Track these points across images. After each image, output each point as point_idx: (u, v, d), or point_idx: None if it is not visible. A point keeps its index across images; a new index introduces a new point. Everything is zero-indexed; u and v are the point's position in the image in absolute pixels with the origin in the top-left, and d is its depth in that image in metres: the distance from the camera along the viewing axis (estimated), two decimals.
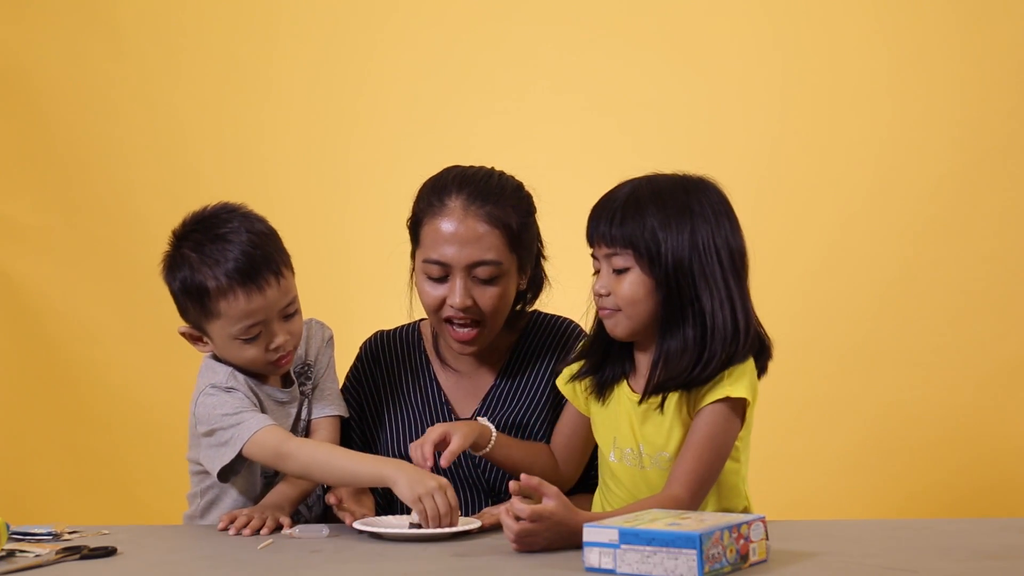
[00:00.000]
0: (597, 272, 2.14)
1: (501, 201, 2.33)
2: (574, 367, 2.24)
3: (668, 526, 1.72)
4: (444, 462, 2.13)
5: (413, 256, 2.42)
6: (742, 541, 1.75)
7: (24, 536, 2.06)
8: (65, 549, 1.93)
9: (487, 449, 2.24)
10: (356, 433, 2.48)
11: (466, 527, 2.06)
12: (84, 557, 1.91)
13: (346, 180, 3.73)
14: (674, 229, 2.06)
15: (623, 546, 1.72)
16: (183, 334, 2.29)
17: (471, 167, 2.40)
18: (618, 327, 2.11)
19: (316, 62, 3.77)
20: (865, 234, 3.47)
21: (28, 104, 3.81)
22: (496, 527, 2.12)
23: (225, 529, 2.16)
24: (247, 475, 2.31)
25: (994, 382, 3.39)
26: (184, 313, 2.28)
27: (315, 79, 3.77)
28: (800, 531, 2.09)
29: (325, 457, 2.17)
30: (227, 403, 2.22)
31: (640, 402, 2.12)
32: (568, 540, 1.88)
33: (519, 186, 2.41)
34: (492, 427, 2.26)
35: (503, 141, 3.47)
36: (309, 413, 2.38)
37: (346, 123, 3.75)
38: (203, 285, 2.19)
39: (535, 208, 2.43)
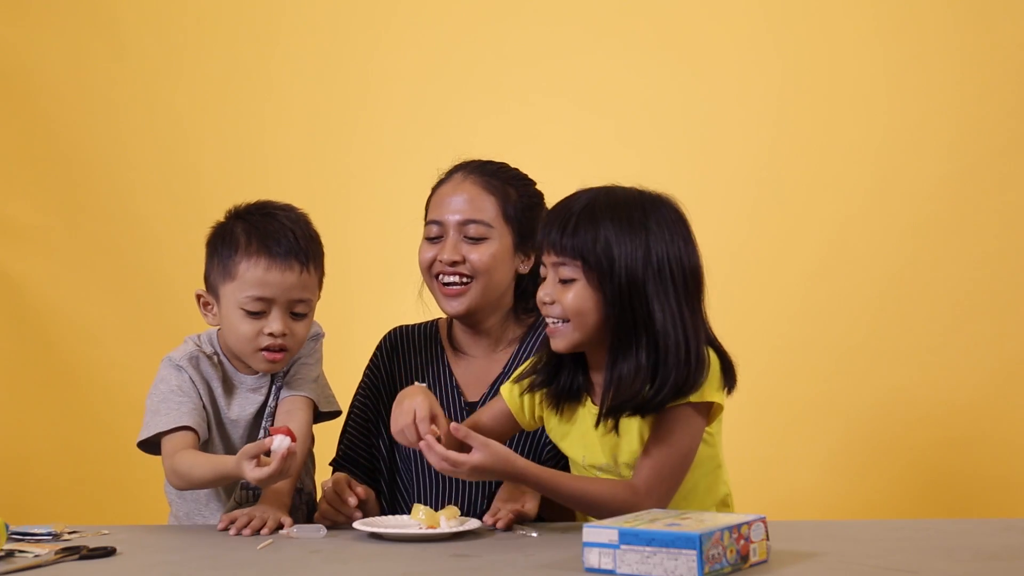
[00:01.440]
0: (543, 280, 2.12)
1: (500, 176, 2.49)
2: (524, 381, 2.21)
3: (668, 526, 1.72)
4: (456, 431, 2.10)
5: None
6: (742, 541, 1.75)
7: (24, 536, 2.06)
8: (64, 549, 1.93)
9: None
10: (384, 419, 2.51)
11: (466, 527, 2.06)
12: (83, 557, 1.91)
13: (347, 181, 3.73)
14: (628, 244, 2.03)
15: (623, 546, 1.72)
16: (198, 296, 2.35)
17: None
18: (561, 340, 2.09)
19: (317, 63, 3.77)
20: (864, 234, 3.47)
21: (29, 104, 3.81)
22: (500, 535, 2.13)
23: (225, 529, 2.16)
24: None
25: (994, 382, 3.39)
26: (208, 272, 2.33)
27: (316, 80, 3.77)
28: (800, 531, 2.09)
29: (189, 464, 2.21)
30: (164, 380, 2.30)
31: (596, 425, 2.11)
32: (510, 478, 2.06)
33: (527, 178, 2.54)
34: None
35: (504, 142, 3.45)
36: (276, 398, 2.39)
37: (347, 124, 3.75)
38: (235, 241, 2.28)
39: (543, 206, 2.50)
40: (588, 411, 2.15)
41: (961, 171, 3.42)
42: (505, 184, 2.48)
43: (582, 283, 2.05)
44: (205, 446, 2.31)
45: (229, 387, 2.37)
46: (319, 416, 2.42)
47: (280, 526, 2.16)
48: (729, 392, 2.12)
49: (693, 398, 2.04)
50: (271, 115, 3.78)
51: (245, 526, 2.14)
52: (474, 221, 2.44)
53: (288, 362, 2.36)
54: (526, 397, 2.22)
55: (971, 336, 3.40)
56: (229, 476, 2.18)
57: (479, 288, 2.44)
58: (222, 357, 2.37)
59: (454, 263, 2.43)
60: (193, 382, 2.31)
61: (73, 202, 3.79)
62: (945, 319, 3.42)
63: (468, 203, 2.45)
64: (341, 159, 3.75)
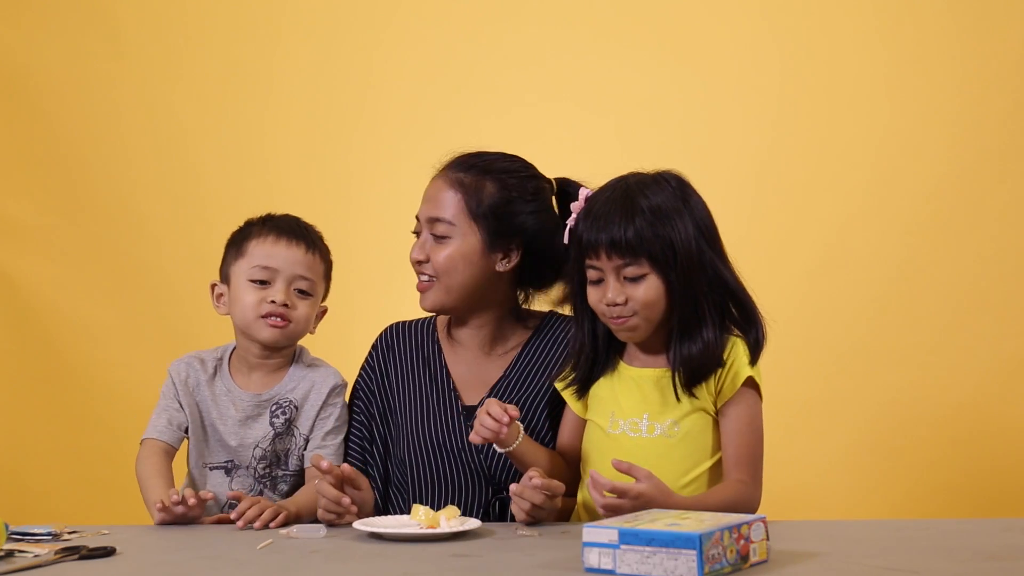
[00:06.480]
0: (596, 282, 2.15)
1: (477, 171, 2.43)
2: (568, 379, 2.29)
3: (668, 526, 1.72)
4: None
5: None
6: (742, 541, 1.75)
7: (23, 536, 2.06)
8: (64, 549, 1.93)
9: (512, 447, 2.24)
10: (377, 421, 2.51)
11: (466, 527, 2.06)
12: (83, 557, 1.91)
13: (347, 181, 3.73)
14: (679, 224, 2.12)
15: (623, 546, 1.72)
16: (212, 287, 2.48)
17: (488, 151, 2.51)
18: (637, 333, 2.17)
19: (317, 63, 3.77)
20: (863, 234, 3.47)
21: (29, 104, 3.81)
22: (500, 535, 2.12)
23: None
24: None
25: (994, 381, 3.39)
26: (222, 265, 2.47)
27: (316, 80, 3.77)
28: (800, 531, 2.09)
29: (139, 473, 2.42)
30: (166, 389, 2.46)
31: (678, 398, 2.18)
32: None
33: (520, 171, 2.47)
34: (521, 427, 2.25)
35: (504, 142, 3.45)
36: (276, 432, 2.43)
37: (347, 124, 3.75)
38: (248, 230, 2.46)
39: (539, 199, 2.45)
40: (618, 372, 2.23)
41: (961, 171, 3.42)
42: (482, 179, 2.41)
43: (652, 276, 2.13)
44: (197, 440, 2.44)
45: (217, 388, 2.44)
46: None
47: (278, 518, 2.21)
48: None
49: (754, 374, 2.15)
50: (271, 115, 3.78)
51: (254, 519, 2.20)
52: (437, 219, 2.41)
53: (289, 339, 2.43)
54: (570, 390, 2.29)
55: (971, 336, 3.40)
56: (147, 503, 2.33)
57: (441, 288, 2.42)
58: (224, 363, 2.47)
59: (419, 262, 2.43)
60: (174, 383, 2.44)
61: (73, 202, 3.79)
62: (945, 319, 3.42)
63: (434, 201, 2.43)
64: (341, 159, 3.75)
